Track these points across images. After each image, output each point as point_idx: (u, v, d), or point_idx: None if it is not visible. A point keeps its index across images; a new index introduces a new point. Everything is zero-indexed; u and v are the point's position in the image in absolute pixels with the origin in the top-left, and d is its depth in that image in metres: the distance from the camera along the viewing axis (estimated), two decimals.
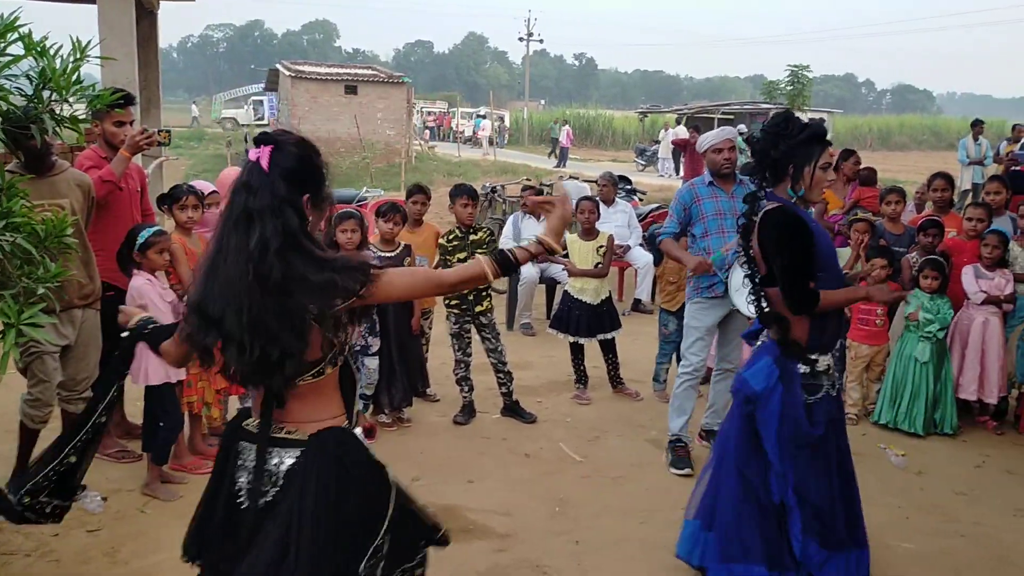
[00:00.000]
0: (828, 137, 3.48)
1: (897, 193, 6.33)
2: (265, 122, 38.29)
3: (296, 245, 2.11)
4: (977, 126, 14.94)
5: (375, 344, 5.23)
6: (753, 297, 3.45)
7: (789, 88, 30.34)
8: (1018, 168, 7.11)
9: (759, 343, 3.52)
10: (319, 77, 27.34)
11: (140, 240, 4.28)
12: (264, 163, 2.14)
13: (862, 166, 7.48)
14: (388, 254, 5.35)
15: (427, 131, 41.09)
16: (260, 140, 2.19)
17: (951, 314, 5.62)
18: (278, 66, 31.07)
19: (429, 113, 46.53)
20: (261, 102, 41.24)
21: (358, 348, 5.10)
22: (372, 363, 5.19)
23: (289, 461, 2.21)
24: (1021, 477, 4.95)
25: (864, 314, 5.79)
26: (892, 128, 53.96)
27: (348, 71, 29.75)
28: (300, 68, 28.74)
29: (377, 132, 26.75)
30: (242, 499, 2.24)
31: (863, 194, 7.00)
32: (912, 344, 5.61)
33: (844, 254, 6.15)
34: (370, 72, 29.59)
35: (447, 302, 5.60)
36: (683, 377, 5.04)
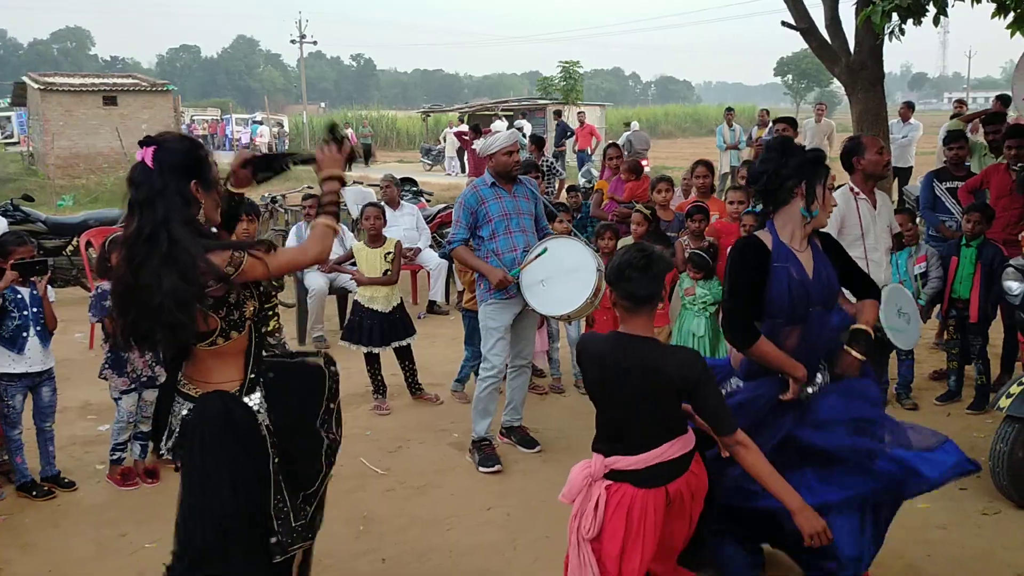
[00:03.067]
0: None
1: (666, 182, 6.68)
2: (15, 140, 34.87)
3: (172, 230, 2.43)
4: (729, 113, 16.18)
5: (163, 374, 4.81)
6: None
7: (563, 83, 31.64)
8: None
9: None
10: (73, 88, 25.18)
11: None
12: (149, 161, 2.48)
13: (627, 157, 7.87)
14: None
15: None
16: (144, 142, 2.53)
17: (721, 291, 5.98)
18: (25, 78, 28.30)
19: (203, 121, 44.28)
20: (9, 118, 37.47)
21: (144, 379, 4.70)
22: (150, 395, 4.79)
23: (184, 412, 2.65)
24: None
25: None
26: (658, 117, 57.46)
27: (106, 80, 27.62)
28: (50, 80, 26.30)
29: None
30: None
31: (636, 188, 7.34)
32: (689, 320, 5.92)
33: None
34: (131, 81, 27.62)
35: None
36: (487, 380, 5.01)
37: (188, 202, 2.52)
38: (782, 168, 3.19)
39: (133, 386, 4.67)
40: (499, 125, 23.27)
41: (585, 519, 2.82)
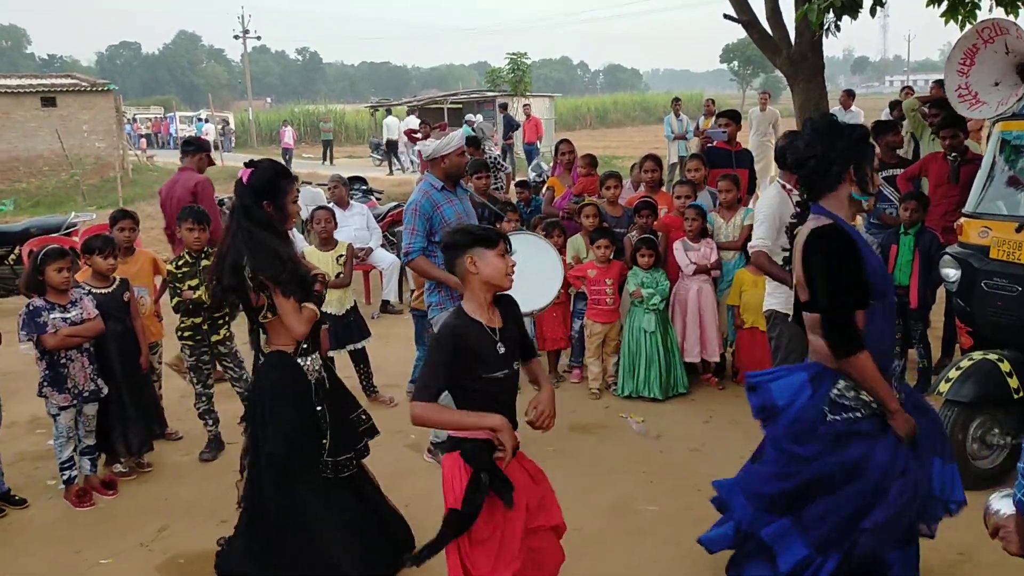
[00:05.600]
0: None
1: (614, 178, 6.75)
2: None
3: (243, 234, 3.40)
4: (676, 103, 16.33)
5: (104, 388, 4.74)
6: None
7: (511, 75, 31.60)
8: (712, 144, 7.80)
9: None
10: (10, 90, 24.49)
11: None
12: (244, 179, 3.46)
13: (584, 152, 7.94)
14: (103, 291, 4.89)
15: (143, 139, 38.35)
16: (246, 164, 3.52)
17: (668, 285, 6.09)
18: None
19: (146, 119, 43.46)
20: None
21: (86, 394, 4.62)
22: (91, 409, 4.71)
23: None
24: (744, 427, 5.45)
25: (596, 295, 6.13)
26: (607, 107, 57.71)
27: (44, 81, 26.97)
28: None
29: (85, 146, 24.51)
30: None
31: (589, 183, 7.40)
32: (639, 317, 6.02)
33: (576, 242, 6.50)
34: (70, 81, 26.96)
35: (180, 333, 5.23)
36: None
37: (259, 216, 3.42)
38: (830, 151, 3.00)
39: (74, 402, 4.59)
40: (412, 121, 23.55)
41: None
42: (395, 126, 25.59)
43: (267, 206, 3.43)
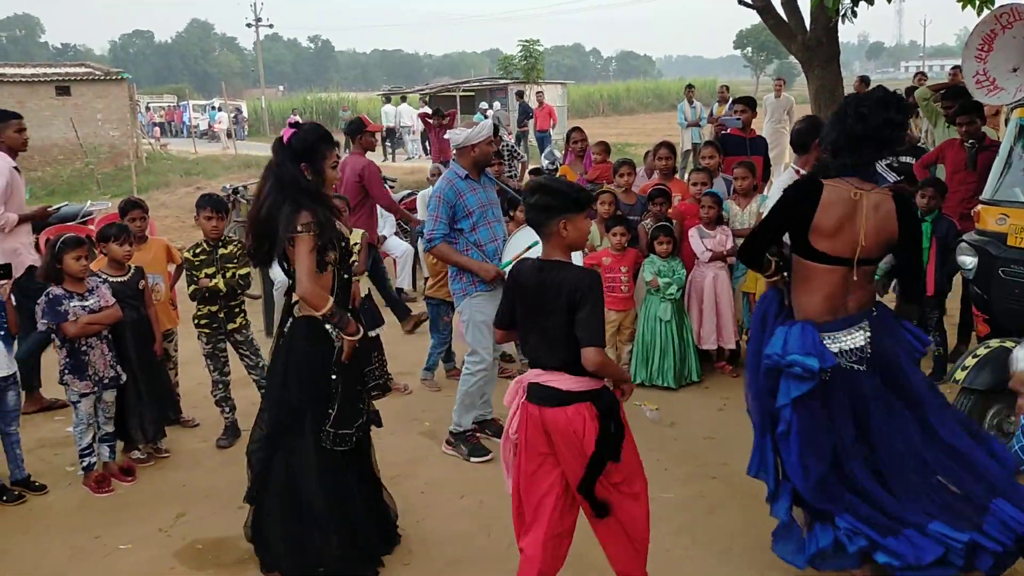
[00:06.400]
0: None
1: (628, 165, 6.73)
2: None
3: (281, 195, 3.42)
4: (689, 90, 16.25)
5: (123, 374, 4.78)
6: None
7: (523, 62, 31.53)
8: (727, 131, 7.77)
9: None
10: (24, 79, 24.57)
11: None
12: (285, 138, 3.49)
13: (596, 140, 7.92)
14: (119, 279, 4.92)
15: (156, 128, 38.49)
16: (290, 124, 3.56)
17: (685, 273, 6.07)
18: None
19: (159, 108, 43.58)
20: None
21: (106, 380, 4.66)
22: (110, 396, 4.74)
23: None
24: None
25: (611, 282, 6.12)
26: (620, 94, 57.42)
27: (58, 70, 27.01)
28: (1, 70, 25.72)
29: (99, 135, 24.60)
30: None
31: (603, 171, 7.38)
32: (655, 306, 6.01)
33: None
34: (84, 70, 27.00)
35: (196, 321, 5.27)
36: (478, 374, 4.95)
37: (296, 177, 3.44)
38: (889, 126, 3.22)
39: (95, 389, 4.63)
40: (406, 110, 23.67)
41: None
42: (392, 114, 25.62)
43: (304, 168, 3.46)
